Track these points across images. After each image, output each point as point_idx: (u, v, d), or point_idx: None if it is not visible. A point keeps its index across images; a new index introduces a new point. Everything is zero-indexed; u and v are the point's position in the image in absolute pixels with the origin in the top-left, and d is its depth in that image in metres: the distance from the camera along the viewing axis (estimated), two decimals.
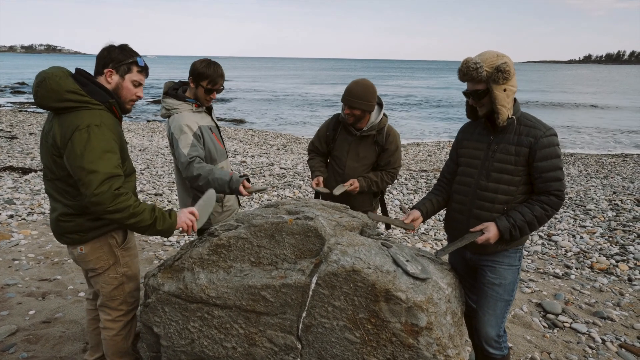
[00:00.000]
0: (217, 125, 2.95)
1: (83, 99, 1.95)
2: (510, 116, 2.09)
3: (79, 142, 1.88)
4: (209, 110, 2.88)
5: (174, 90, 2.76)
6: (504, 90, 2.04)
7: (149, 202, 2.05)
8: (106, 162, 1.90)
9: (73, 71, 2.07)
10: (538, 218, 2.09)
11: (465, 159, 2.30)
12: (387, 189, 7.81)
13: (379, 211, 3.41)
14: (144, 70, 2.16)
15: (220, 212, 2.90)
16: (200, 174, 2.51)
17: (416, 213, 2.39)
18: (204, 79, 2.66)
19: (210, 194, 2.31)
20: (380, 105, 3.04)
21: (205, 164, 2.59)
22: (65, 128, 1.92)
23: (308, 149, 3.32)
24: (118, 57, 2.07)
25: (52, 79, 1.93)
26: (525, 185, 2.15)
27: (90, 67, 2.15)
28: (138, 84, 2.14)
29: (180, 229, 2.16)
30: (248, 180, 2.59)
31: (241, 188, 2.50)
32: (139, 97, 2.19)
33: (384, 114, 3.05)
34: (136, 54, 2.13)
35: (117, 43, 2.12)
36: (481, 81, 2.05)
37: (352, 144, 3.05)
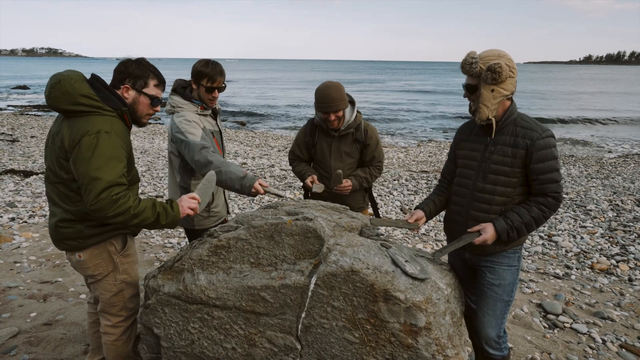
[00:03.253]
0: (220, 131, 2.96)
1: (96, 104, 1.96)
2: (490, 117, 2.10)
3: (87, 147, 1.89)
4: (214, 115, 2.89)
5: (182, 88, 2.77)
6: (492, 90, 2.05)
7: (149, 198, 2.06)
8: (111, 170, 1.90)
9: (88, 76, 2.08)
10: (535, 219, 2.10)
11: (463, 160, 2.31)
12: (388, 190, 7.82)
13: (370, 210, 3.43)
14: (161, 84, 2.18)
15: (206, 216, 2.88)
16: (213, 161, 2.49)
17: (420, 213, 2.40)
18: (203, 78, 2.66)
19: (210, 175, 2.30)
20: (353, 103, 3.06)
21: (218, 155, 2.58)
22: (75, 132, 1.92)
23: (289, 158, 3.30)
24: (135, 72, 2.09)
25: (67, 81, 1.94)
26: (522, 187, 2.15)
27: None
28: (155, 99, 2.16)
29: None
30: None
31: (257, 185, 2.47)
32: (156, 112, 2.21)
33: (358, 111, 3.06)
34: (153, 69, 2.15)
35: (134, 57, 2.14)
36: (474, 76, 2.08)
37: (333, 145, 3.06)
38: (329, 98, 2.84)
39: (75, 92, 1.93)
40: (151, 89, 2.14)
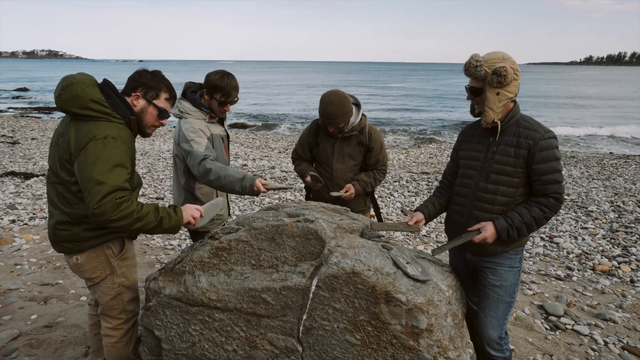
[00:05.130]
0: (227, 135, 2.96)
1: (105, 110, 1.97)
2: (495, 120, 2.10)
3: (93, 152, 1.89)
4: (221, 120, 2.89)
5: (192, 93, 2.76)
6: (497, 94, 2.05)
7: (151, 203, 2.07)
8: (115, 176, 1.91)
9: (99, 81, 2.10)
10: (536, 219, 2.10)
11: (465, 161, 2.31)
12: (389, 192, 7.81)
13: (372, 212, 3.42)
14: (172, 99, 2.20)
15: (211, 219, 2.89)
16: (212, 168, 2.50)
17: (419, 215, 2.40)
18: (218, 92, 2.66)
19: (219, 201, 2.34)
20: (358, 105, 3.03)
21: (217, 162, 2.59)
22: (82, 136, 1.93)
23: (292, 157, 3.31)
24: (148, 82, 2.11)
25: (78, 85, 1.95)
26: (524, 187, 2.15)
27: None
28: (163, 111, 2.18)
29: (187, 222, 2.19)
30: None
31: (258, 184, 2.46)
32: (162, 124, 2.22)
33: (363, 114, 3.05)
34: (167, 83, 2.17)
35: (150, 68, 2.18)
36: (478, 79, 2.08)
37: (336, 146, 3.05)
38: (329, 114, 2.83)
39: (85, 96, 1.94)
40: (161, 102, 2.16)
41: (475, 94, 2.12)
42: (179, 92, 2.81)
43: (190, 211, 2.19)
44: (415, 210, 2.45)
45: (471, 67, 2.06)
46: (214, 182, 2.52)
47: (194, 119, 2.68)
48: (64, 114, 2.09)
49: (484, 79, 2.05)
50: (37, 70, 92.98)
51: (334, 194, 2.95)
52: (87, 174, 1.88)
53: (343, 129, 2.95)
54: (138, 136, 2.22)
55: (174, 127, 2.81)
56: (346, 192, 2.98)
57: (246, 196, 7.16)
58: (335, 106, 2.81)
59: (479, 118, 2.26)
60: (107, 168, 1.89)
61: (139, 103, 2.12)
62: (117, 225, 1.93)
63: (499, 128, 2.13)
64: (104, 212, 1.87)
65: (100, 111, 1.96)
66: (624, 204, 7.03)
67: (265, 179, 2.57)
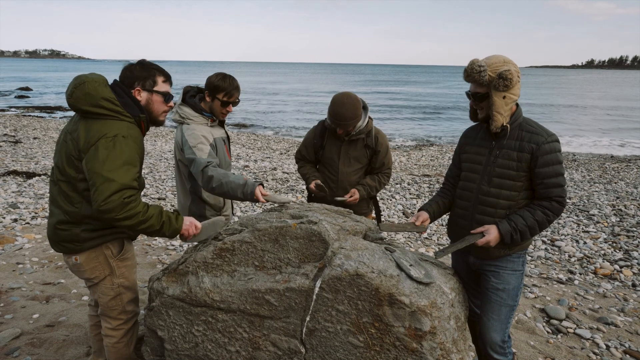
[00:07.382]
0: (228, 136, 2.97)
1: (116, 109, 2.00)
2: (505, 124, 2.10)
3: (104, 149, 1.91)
4: (221, 122, 2.90)
5: (191, 97, 2.77)
6: (503, 97, 2.05)
7: (156, 205, 2.08)
8: (124, 174, 1.92)
9: (110, 80, 2.13)
10: (539, 222, 2.10)
11: (468, 164, 2.31)
12: (390, 194, 7.81)
13: (373, 214, 3.42)
14: (168, 80, 2.22)
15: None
16: (214, 175, 2.50)
17: (424, 214, 2.40)
18: (220, 92, 2.67)
19: (219, 220, 2.35)
20: (366, 108, 3.02)
21: (219, 168, 2.59)
22: (92, 133, 1.95)
23: (295, 157, 3.29)
24: (141, 74, 2.13)
25: (91, 83, 1.98)
26: (527, 191, 2.15)
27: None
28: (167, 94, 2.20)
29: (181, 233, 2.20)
30: (262, 186, 2.55)
31: (258, 192, 2.46)
32: (170, 107, 2.25)
33: (370, 117, 3.04)
34: (156, 67, 2.19)
35: (134, 60, 2.20)
36: (483, 84, 2.07)
37: (342, 149, 3.04)
38: (342, 116, 2.82)
39: (97, 94, 1.97)
40: (161, 86, 2.18)
41: (481, 99, 2.11)
42: (177, 97, 2.82)
43: (189, 224, 2.20)
44: (419, 210, 2.45)
45: (475, 73, 2.04)
46: (216, 190, 2.51)
47: (196, 124, 2.68)
48: (66, 114, 2.11)
49: (489, 83, 2.05)
50: (40, 69, 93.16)
51: (339, 198, 2.95)
52: (96, 171, 1.90)
53: (351, 132, 2.94)
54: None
55: (175, 128, 2.82)
56: (351, 196, 2.97)
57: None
58: (347, 108, 2.80)
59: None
60: (117, 165, 1.91)
61: (143, 96, 2.14)
62: (122, 224, 1.94)
63: (508, 130, 2.12)
64: (111, 209, 1.88)
65: (111, 109, 1.99)
66: (625, 208, 7.03)
67: (264, 187, 2.56)
